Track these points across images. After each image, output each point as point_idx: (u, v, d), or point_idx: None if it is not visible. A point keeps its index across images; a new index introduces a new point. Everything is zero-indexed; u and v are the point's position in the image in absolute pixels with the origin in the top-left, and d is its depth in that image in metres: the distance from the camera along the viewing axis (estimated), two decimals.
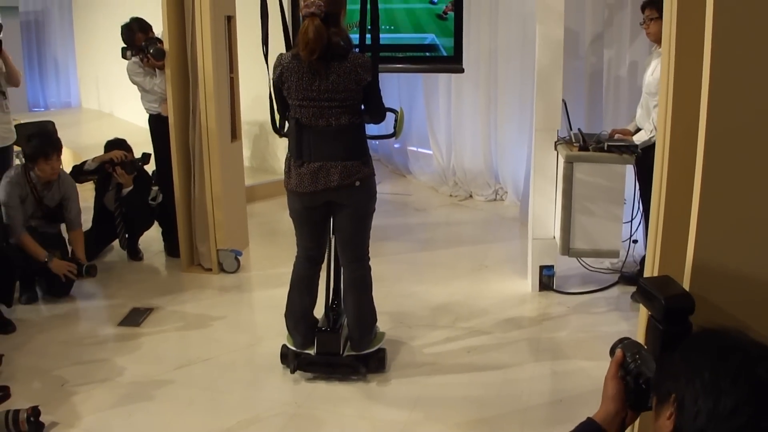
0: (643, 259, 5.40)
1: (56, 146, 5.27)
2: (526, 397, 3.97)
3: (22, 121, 7.91)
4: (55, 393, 4.03)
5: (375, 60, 3.76)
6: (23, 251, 5.09)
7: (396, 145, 9.28)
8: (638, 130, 5.11)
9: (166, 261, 6.28)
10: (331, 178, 3.79)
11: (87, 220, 6.26)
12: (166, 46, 5.57)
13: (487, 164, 8.03)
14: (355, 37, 3.86)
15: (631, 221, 5.28)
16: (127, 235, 6.22)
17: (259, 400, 3.98)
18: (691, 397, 1.53)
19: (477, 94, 7.88)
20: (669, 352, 1.74)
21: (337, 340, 4.12)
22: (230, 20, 5.82)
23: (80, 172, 6.13)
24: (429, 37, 4.82)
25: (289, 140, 3.93)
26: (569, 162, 4.75)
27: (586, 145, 4.81)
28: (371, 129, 4.24)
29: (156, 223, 6.34)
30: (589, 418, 1.91)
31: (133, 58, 5.96)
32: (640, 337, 3.24)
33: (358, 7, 3.85)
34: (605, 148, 4.75)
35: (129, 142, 6.28)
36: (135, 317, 5.03)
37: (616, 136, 5.01)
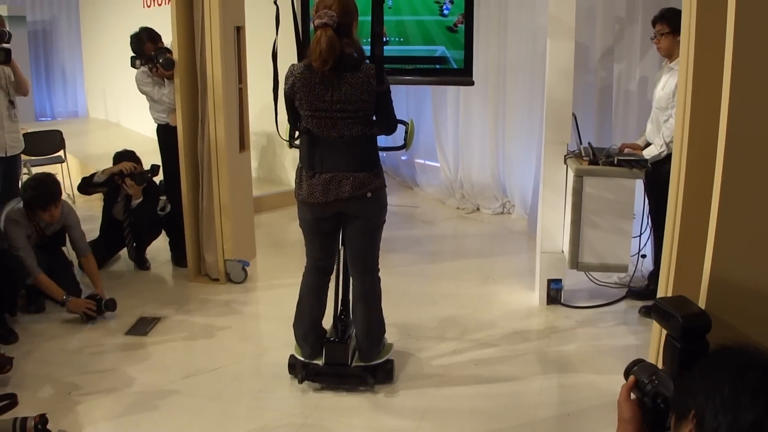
0: (651, 273, 5.41)
1: (54, 198, 5.16)
2: (534, 410, 3.95)
3: (29, 130, 7.94)
4: (62, 401, 4.02)
5: (379, 71, 3.74)
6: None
7: (403, 158, 9.28)
8: (648, 144, 5.10)
9: (173, 271, 6.28)
10: (343, 189, 3.78)
11: (94, 229, 6.28)
12: (175, 56, 5.58)
13: (495, 177, 8.03)
14: (367, 49, 3.85)
15: (640, 236, 5.26)
16: (135, 245, 6.22)
17: (267, 411, 3.97)
18: (711, 413, 1.52)
19: (485, 107, 7.89)
20: (687, 369, 1.73)
21: (345, 351, 4.11)
22: (239, 31, 5.83)
23: (89, 185, 6.13)
24: (439, 50, 4.82)
25: (300, 151, 3.92)
26: (579, 176, 4.74)
27: (596, 159, 4.80)
28: (381, 141, 4.24)
29: (163, 233, 6.34)
30: None
31: (142, 68, 5.97)
32: (651, 352, 3.24)
33: (369, 18, 3.85)
34: (615, 163, 4.73)
35: (136, 152, 6.32)
36: (142, 326, 5.02)
37: (626, 150, 5.00)
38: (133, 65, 6.00)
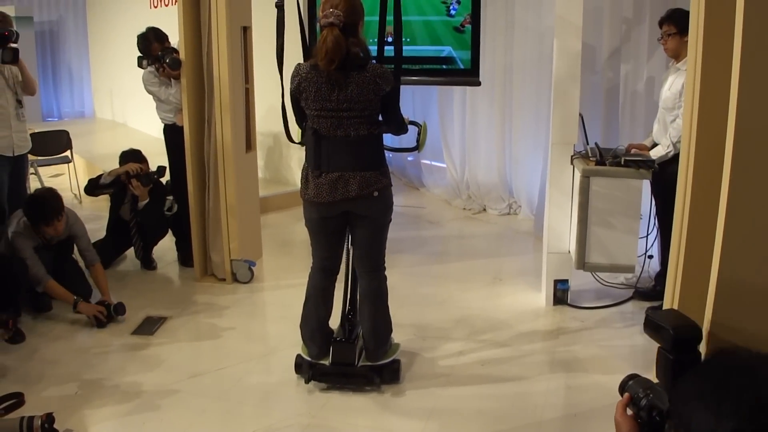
0: (658, 274, 5.40)
1: (56, 213, 5.12)
2: (540, 410, 3.95)
3: (36, 130, 7.95)
4: (68, 401, 4.03)
5: (398, 71, 3.76)
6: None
7: (409, 158, 9.28)
8: (655, 145, 5.09)
9: (180, 271, 6.29)
10: (350, 188, 3.79)
11: (100, 229, 6.28)
12: (181, 56, 5.58)
13: (501, 178, 8.03)
14: (373, 49, 3.85)
15: (647, 236, 5.25)
16: (142, 245, 6.23)
17: (273, 411, 3.97)
18: (696, 421, 1.51)
19: (492, 108, 7.88)
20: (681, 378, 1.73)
21: (352, 351, 4.11)
22: (246, 31, 5.82)
23: (96, 186, 6.14)
24: (446, 50, 4.81)
25: (306, 150, 3.92)
26: (586, 176, 4.73)
27: (603, 160, 4.79)
28: (395, 142, 4.25)
29: (170, 233, 6.35)
30: None
31: (149, 68, 5.97)
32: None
33: (377, 18, 3.84)
34: (622, 163, 4.72)
35: (143, 152, 6.31)
36: (148, 326, 5.03)
37: (633, 151, 4.99)
38: (139, 65, 5.99)
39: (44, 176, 8.75)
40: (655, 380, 2.14)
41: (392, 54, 3.88)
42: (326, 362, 4.12)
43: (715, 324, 2.19)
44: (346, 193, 3.80)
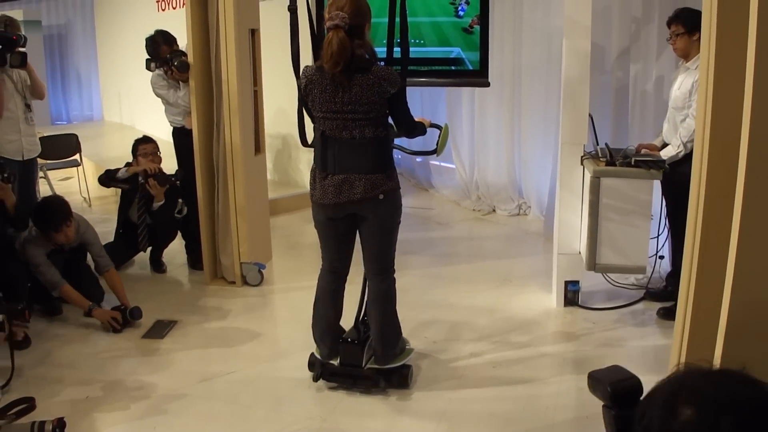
0: (669, 275, 5.38)
1: (65, 218, 5.09)
2: (552, 412, 3.93)
3: (45, 134, 7.97)
4: (79, 405, 4.03)
5: (404, 73, 3.75)
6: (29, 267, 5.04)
7: (418, 159, 9.26)
8: (665, 145, 5.06)
9: (189, 274, 6.29)
10: (355, 190, 3.78)
11: (108, 232, 6.27)
12: (190, 58, 5.58)
13: (511, 179, 8.02)
14: (382, 51, 3.84)
15: (658, 237, 5.23)
16: (150, 248, 6.23)
17: (284, 414, 3.96)
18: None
19: (500, 108, 7.87)
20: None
21: (359, 352, 4.10)
22: (254, 33, 5.82)
23: (111, 178, 6.14)
24: (455, 51, 4.79)
25: (314, 152, 3.92)
26: (596, 177, 4.71)
27: (613, 160, 4.77)
28: (413, 145, 4.25)
29: (179, 236, 6.35)
30: None
31: (158, 71, 5.97)
32: (673, 354, 3.23)
33: (386, 20, 3.84)
34: (632, 163, 4.70)
35: None
36: (159, 330, 5.03)
37: (643, 151, 4.97)
38: (148, 68, 6.00)
39: (53, 180, 8.76)
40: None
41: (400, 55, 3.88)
42: (336, 362, 4.12)
43: (729, 336, 2.17)
44: (351, 195, 3.79)
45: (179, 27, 5.94)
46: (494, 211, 8.13)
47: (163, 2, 11.17)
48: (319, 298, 4.16)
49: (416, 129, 3.97)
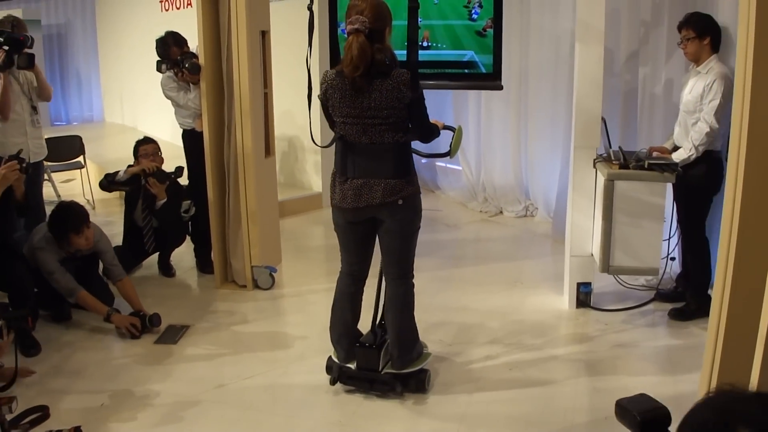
0: (679, 276, 5.41)
1: (84, 218, 5.08)
2: (571, 414, 3.94)
3: (46, 136, 7.94)
4: (94, 413, 4.00)
5: (414, 77, 3.73)
6: (36, 272, 5.00)
7: (423, 161, 9.24)
8: (676, 148, 5.07)
9: (199, 277, 6.28)
10: (374, 195, 3.78)
11: (113, 234, 6.24)
12: (201, 60, 5.58)
13: (518, 180, 8.03)
14: (400, 54, 3.83)
15: (669, 239, 5.25)
16: (158, 251, 6.22)
17: (303, 419, 3.96)
18: None
19: (507, 110, 7.88)
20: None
21: (376, 357, 4.09)
22: (264, 35, 5.81)
23: (112, 182, 6.12)
24: (468, 54, 4.79)
25: (335, 156, 3.92)
26: (610, 180, 4.71)
27: (627, 163, 4.78)
28: (426, 147, 4.25)
29: (188, 239, 6.33)
30: None
31: (168, 73, 5.96)
32: (707, 359, 3.22)
33: (405, 22, 3.82)
34: (646, 166, 4.71)
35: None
36: (171, 335, 5.01)
37: (654, 154, 4.97)
38: (158, 69, 5.99)
39: (56, 182, 8.71)
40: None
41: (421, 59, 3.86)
42: (353, 366, 4.12)
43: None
44: (371, 199, 3.79)
45: (183, 27, 5.96)
46: (501, 212, 8.14)
47: (166, 2, 11.16)
48: (337, 301, 4.15)
49: (433, 134, 3.98)
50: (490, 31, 4.70)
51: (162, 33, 6.10)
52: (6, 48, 5.30)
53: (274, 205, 6.23)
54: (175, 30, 6.12)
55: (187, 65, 5.66)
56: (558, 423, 3.86)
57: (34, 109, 5.87)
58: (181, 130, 6.21)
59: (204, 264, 6.23)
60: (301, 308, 5.56)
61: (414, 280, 4.13)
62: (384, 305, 4.21)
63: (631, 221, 4.75)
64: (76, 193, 8.68)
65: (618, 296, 5.50)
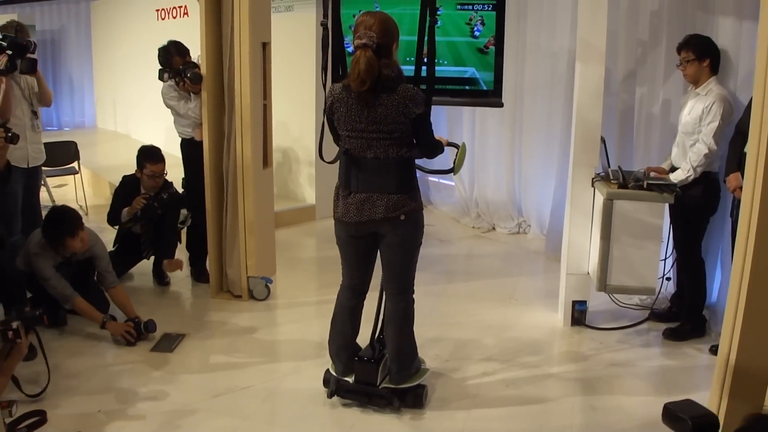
0: (673, 296, 5.44)
1: (78, 222, 5.07)
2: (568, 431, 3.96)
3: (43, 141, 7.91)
4: (91, 419, 3.99)
5: (429, 94, 3.75)
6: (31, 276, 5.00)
7: (431, 177, 9.25)
8: (673, 168, 5.11)
9: (193, 286, 6.27)
10: (377, 210, 3.79)
11: (110, 241, 6.22)
12: (203, 70, 5.59)
13: (511, 197, 8.05)
14: (407, 69, 3.85)
15: (665, 259, 5.27)
16: (154, 258, 6.21)
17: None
18: None
19: (501, 127, 7.91)
20: None
21: (374, 371, 4.10)
22: (265, 47, 5.81)
23: (118, 223, 6.08)
24: (469, 71, 4.82)
25: (339, 169, 3.93)
26: (610, 199, 4.74)
27: (626, 183, 4.81)
28: (430, 163, 4.26)
29: (183, 249, 6.32)
30: None
31: (169, 81, 5.96)
32: (716, 380, 3.24)
33: (412, 38, 3.84)
34: (645, 186, 4.75)
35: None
36: (167, 343, 5.01)
37: (652, 174, 5.00)
38: (160, 78, 5.99)
39: (49, 186, 8.70)
40: None
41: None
42: (350, 379, 4.13)
43: None
44: (373, 214, 3.80)
45: (178, 36, 5.98)
46: (494, 228, 8.16)
47: (163, 11, 11.15)
48: (337, 314, 4.16)
49: (438, 150, 3.98)
50: (492, 48, 4.72)
51: (158, 41, 6.12)
52: (9, 52, 5.29)
53: (270, 216, 6.22)
54: (169, 38, 6.14)
55: (188, 75, 5.67)
56: None
57: (35, 114, 5.85)
58: (179, 139, 6.20)
59: (199, 273, 6.23)
60: (297, 319, 5.54)
61: (414, 296, 4.13)
62: (384, 320, 4.21)
63: (630, 241, 4.78)
64: (69, 199, 8.63)
65: (612, 315, 5.52)
